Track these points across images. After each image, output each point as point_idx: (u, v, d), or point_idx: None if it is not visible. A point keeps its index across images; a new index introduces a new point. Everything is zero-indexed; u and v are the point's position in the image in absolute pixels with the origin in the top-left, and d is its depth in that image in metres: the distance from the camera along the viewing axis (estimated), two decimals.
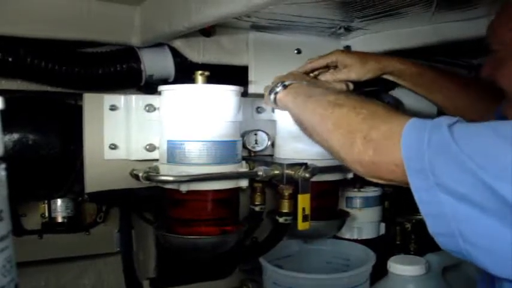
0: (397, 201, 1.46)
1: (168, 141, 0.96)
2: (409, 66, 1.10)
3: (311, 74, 1.09)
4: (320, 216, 1.14)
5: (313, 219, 1.02)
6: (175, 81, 1.15)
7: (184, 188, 0.92)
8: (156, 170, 0.97)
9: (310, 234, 1.20)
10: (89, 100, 1.00)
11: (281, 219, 1.05)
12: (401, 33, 1.17)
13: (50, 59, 1.03)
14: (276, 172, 1.00)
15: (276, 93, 0.94)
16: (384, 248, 1.38)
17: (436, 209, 0.59)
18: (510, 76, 0.82)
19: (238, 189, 1.02)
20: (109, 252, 1.31)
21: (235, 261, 1.24)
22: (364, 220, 1.39)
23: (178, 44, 1.11)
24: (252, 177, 1.01)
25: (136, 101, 1.00)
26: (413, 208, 0.63)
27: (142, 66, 1.12)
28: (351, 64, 1.08)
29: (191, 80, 0.99)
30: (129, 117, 1.01)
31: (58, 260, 1.27)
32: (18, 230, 1.18)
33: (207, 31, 1.11)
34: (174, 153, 0.95)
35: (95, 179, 1.00)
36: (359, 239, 1.38)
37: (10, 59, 0.99)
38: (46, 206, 1.22)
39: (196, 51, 1.12)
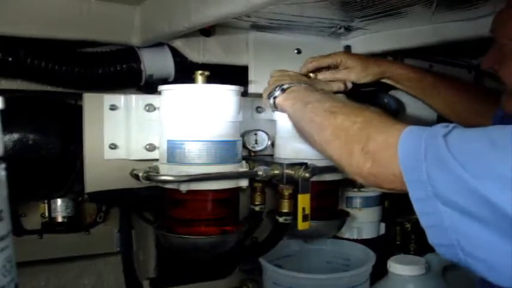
0: (397, 201, 1.46)
1: (168, 141, 0.96)
2: (408, 71, 1.11)
3: (311, 74, 1.09)
4: (320, 216, 1.14)
5: (313, 219, 1.02)
6: (175, 81, 1.15)
7: (184, 187, 0.92)
8: (156, 169, 0.97)
9: (310, 234, 1.20)
10: (89, 100, 1.00)
11: (281, 219, 1.05)
12: (401, 33, 1.17)
13: (50, 59, 1.03)
14: (276, 172, 1.00)
15: (274, 98, 0.94)
16: (383, 248, 1.38)
17: (436, 220, 0.59)
18: None
19: (238, 189, 1.02)
20: (109, 252, 1.31)
21: (235, 261, 1.24)
22: (364, 220, 1.39)
23: (178, 44, 1.11)
24: (252, 177, 1.01)
25: (136, 100, 1.00)
26: (413, 208, 0.62)
27: (142, 66, 1.12)
28: (352, 66, 1.09)
29: (191, 80, 0.99)
30: (129, 117, 1.01)
31: (58, 260, 1.27)
32: (18, 229, 1.18)
33: (207, 31, 1.11)
34: (174, 153, 0.95)
35: (95, 178, 1.00)
36: (359, 238, 1.38)
37: (10, 59, 0.99)
38: (46, 205, 1.22)
39: (196, 51, 1.12)
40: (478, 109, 1.06)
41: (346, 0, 0.95)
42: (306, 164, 0.99)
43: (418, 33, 1.14)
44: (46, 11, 1.00)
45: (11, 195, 0.43)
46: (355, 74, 1.08)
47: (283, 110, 0.94)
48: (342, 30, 1.18)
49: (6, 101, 0.39)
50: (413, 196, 0.61)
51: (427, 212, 0.60)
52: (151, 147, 1.01)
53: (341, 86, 1.07)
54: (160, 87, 0.99)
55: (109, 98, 1.01)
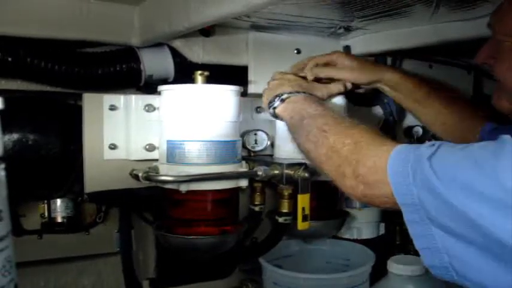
0: None
1: (167, 141, 0.96)
2: (405, 79, 1.10)
3: (309, 76, 1.08)
4: (320, 216, 1.14)
5: (313, 219, 1.02)
6: (175, 81, 1.15)
7: (183, 188, 0.92)
8: (155, 170, 0.97)
9: (309, 234, 1.20)
10: (89, 100, 1.00)
11: (281, 219, 1.05)
12: (401, 33, 1.17)
13: (50, 59, 1.02)
14: (276, 172, 1.00)
15: (274, 108, 0.95)
16: (383, 248, 1.38)
17: (429, 243, 0.60)
18: (509, 71, 0.82)
19: (237, 189, 1.02)
20: (109, 252, 1.31)
21: (235, 261, 1.24)
22: (363, 220, 1.39)
23: (178, 44, 1.11)
24: (251, 177, 1.01)
25: (136, 101, 1.00)
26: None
27: (142, 66, 1.12)
28: (348, 65, 1.08)
29: (191, 80, 0.99)
30: (129, 117, 1.01)
31: (58, 260, 1.27)
32: (17, 230, 1.18)
33: (207, 31, 1.11)
34: (173, 153, 0.95)
35: (94, 179, 1.00)
36: (359, 239, 1.38)
37: (10, 59, 0.99)
38: (46, 206, 1.21)
39: (196, 51, 1.12)
40: (466, 123, 1.06)
41: (346, 0, 0.95)
42: (305, 164, 0.99)
43: (417, 33, 1.14)
44: (46, 11, 1.00)
45: (11, 196, 0.43)
46: (350, 73, 1.08)
47: (283, 120, 0.95)
48: (342, 30, 1.18)
49: (6, 101, 0.39)
50: (407, 219, 0.62)
51: (421, 235, 0.60)
52: (151, 148, 1.01)
53: (341, 88, 1.07)
54: (160, 88, 0.99)
55: (109, 98, 1.01)
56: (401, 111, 1.37)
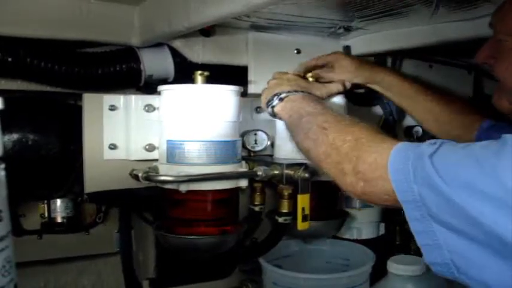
0: None
1: (167, 141, 0.96)
2: (399, 77, 1.11)
3: (309, 76, 1.09)
4: (319, 216, 1.14)
5: (313, 219, 1.02)
6: (175, 81, 1.15)
7: (183, 188, 0.92)
8: (155, 170, 0.97)
9: (309, 234, 1.20)
10: (89, 100, 1.00)
11: (281, 219, 1.05)
12: (401, 33, 1.17)
13: (50, 59, 1.02)
14: (276, 172, 1.00)
15: (273, 107, 0.95)
16: (383, 248, 1.38)
17: (431, 239, 0.60)
18: (510, 70, 0.82)
19: (237, 189, 1.02)
20: (108, 252, 1.31)
21: (234, 261, 1.24)
22: (363, 220, 1.39)
23: (177, 44, 1.11)
24: (251, 177, 1.01)
25: (136, 101, 1.00)
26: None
27: (141, 66, 1.12)
28: (344, 65, 1.09)
29: (191, 80, 0.99)
30: (129, 117, 1.01)
31: (57, 260, 1.27)
32: (17, 230, 1.18)
33: (207, 31, 1.11)
34: (173, 153, 0.95)
35: (94, 179, 1.00)
36: (358, 239, 1.38)
37: (10, 59, 0.99)
38: (45, 206, 1.21)
39: (196, 51, 1.12)
40: (461, 121, 1.06)
41: (346, 0, 0.95)
42: (305, 164, 0.99)
43: (417, 33, 1.14)
44: (45, 11, 1.00)
45: (11, 196, 0.43)
46: (346, 73, 1.09)
47: (281, 119, 0.95)
48: (342, 30, 1.18)
49: (6, 101, 0.39)
50: (409, 216, 0.62)
51: (422, 231, 0.60)
52: (150, 148, 1.01)
53: (340, 87, 1.07)
54: (160, 88, 0.99)
55: (108, 98, 1.01)
56: (401, 111, 1.37)
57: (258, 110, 1.16)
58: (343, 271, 1.24)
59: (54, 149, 1.04)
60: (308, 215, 0.99)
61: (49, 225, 1.22)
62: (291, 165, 1.00)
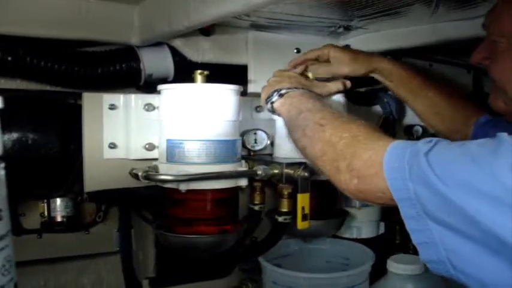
0: None
1: (167, 140, 0.96)
2: (398, 67, 1.10)
3: (309, 75, 1.08)
4: (319, 216, 1.14)
5: (313, 218, 1.02)
6: (175, 80, 1.15)
7: (183, 187, 0.92)
8: (155, 169, 0.97)
9: (309, 233, 1.20)
10: (88, 99, 1.00)
11: (280, 219, 1.05)
12: (400, 33, 1.17)
13: (50, 58, 1.02)
14: (275, 171, 1.00)
15: (272, 103, 0.94)
16: (383, 247, 1.38)
17: (426, 237, 0.60)
18: (505, 71, 0.82)
19: (237, 189, 1.02)
20: (108, 251, 1.31)
21: (234, 260, 1.24)
22: (363, 219, 1.39)
23: (177, 43, 1.11)
24: (251, 176, 1.01)
25: (136, 100, 1.00)
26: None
27: (141, 65, 1.12)
28: (341, 58, 1.07)
29: (190, 79, 0.99)
30: (129, 116, 1.01)
31: (57, 259, 1.27)
32: (17, 229, 1.18)
33: (207, 30, 1.11)
34: (173, 153, 0.95)
35: (94, 178, 1.00)
36: (358, 238, 1.38)
37: (9, 58, 0.99)
38: (45, 205, 1.22)
39: (196, 51, 1.12)
40: (460, 115, 1.06)
41: None
42: (305, 163, 0.99)
43: (417, 33, 1.14)
44: (45, 11, 1.00)
45: (11, 195, 0.43)
46: (346, 66, 1.07)
47: (280, 115, 0.95)
48: (341, 29, 1.18)
49: (6, 101, 0.39)
50: (404, 214, 0.62)
51: (418, 229, 0.60)
52: (150, 147, 1.01)
53: (340, 86, 1.07)
54: (160, 87, 0.99)
55: (108, 98, 1.01)
56: (401, 111, 1.37)
57: (258, 109, 1.16)
58: (343, 270, 1.24)
59: (54, 148, 1.04)
60: (308, 214, 0.99)
61: (49, 225, 1.22)
62: (290, 165, 1.00)
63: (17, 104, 1.05)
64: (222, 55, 1.16)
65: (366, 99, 1.35)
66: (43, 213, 1.22)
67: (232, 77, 1.06)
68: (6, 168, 0.43)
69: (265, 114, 1.16)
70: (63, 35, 1.04)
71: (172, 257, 1.28)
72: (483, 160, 0.54)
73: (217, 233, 1.00)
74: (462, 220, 0.55)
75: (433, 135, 1.16)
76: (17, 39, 0.99)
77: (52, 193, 1.18)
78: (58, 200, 1.21)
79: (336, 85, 1.07)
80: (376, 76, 1.11)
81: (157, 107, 1.01)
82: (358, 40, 1.26)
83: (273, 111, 0.96)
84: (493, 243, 0.53)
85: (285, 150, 1.11)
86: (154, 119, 1.00)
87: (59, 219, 1.22)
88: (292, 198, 1.02)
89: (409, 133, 1.39)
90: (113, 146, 1.01)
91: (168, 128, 0.97)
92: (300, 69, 1.08)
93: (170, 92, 0.98)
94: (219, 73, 1.02)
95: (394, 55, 1.35)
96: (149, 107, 1.00)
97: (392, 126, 1.35)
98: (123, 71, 1.10)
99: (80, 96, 1.02)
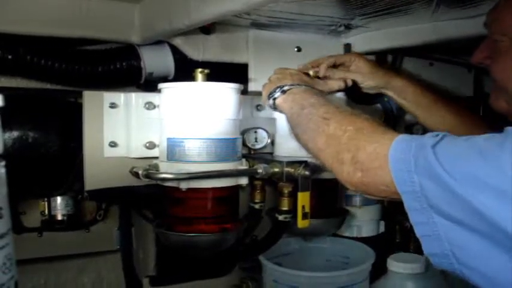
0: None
1: (168, 138, 0.96)
2: (414, 83, 1.10)
3: (311, 73, 1.08)
4: (320, 214, 1.14)
5: (313, 217, 1.02)
6: (175, 79, 1.15)
7: (184, 185, 0.92)
8: (156, 167, 0.97)
9: (309, 232, 1.20)
10: (89, 98, 1.00)
11: (281, 217, 1.05)
12: (401, 31, 1.17)
13: (50, 56, 1.03)
14: (276, 170, 1.00)
15: (274, 99, 0.94)
16: (383, 246, 1.38)
17: (430, 230, 0.59)
18: (507, 70, 0.82)
19: (238, 187, 1.02)
20: (109, 250, 1.31)
21: (234, 259, 1.24)
22: (363, 218, 1.39)
23: (178, 42, 1.11)
24: (251, 175, 1.01)
25: (136, 98, 1.00)
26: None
27: (142, 63, 1.12)
28: (361, 67, 1.09)
29: (191, 78, 0.99)
30: (129, 115, 1.01)
31: (58, 257, 1.27)
32: (18, 227, 1.18)
33: (207, 29, 1.11)
34: (174, 151, 0.95)
35: (94, 176, 1.00)
36: (358, 237, 1.38)
37: (10, 57, 0.99)
38: (46, 203, 1.22)
39: (196, 49, 1.12)
40: (471, 132, 1.05)
41: None
42: (305, 162, 0.99)
43: (418, 32, 1.14)
44: (46, 9, 1.00)
45: (11, 193, 0.43)
46: (361, 75, 1.08)
47: (282, 111, 0.94)
48: (342, 28, 1.18)
49: (6, 99, 0.39)
50: (408, 207, 0.61)
51: (422, 222, 0.60)
52: (151, 145, 1.01)
53: (341, 85, 1.07)
54: (160, 85, 0.99)
55: (109, 96, 1.01)
56: (402, 109, 1.37)
57: (259, 107, 1.16)
58: (343, 269, 1.24)
59: (55, 147, 1.04)
60: (308, 213, 0.99)
61: (49, 223, 1.22)
62: (291, 163, 1.00)
63: (18, 102, 1.05)
64: (223, 53, 1.16)
65: (366, 98, 1.35)
66: (43, 211, 1.22)
67: (232, 76, 1.06)
68: (6, 166, 0.42)
69: (265, 113, 1.16)
70: (64, 33, 1.04)
71: (172, 255, 1.27)
72: (490, 154, 0.54)
73: (217, 232, 1.00)
74: (467, 213, 0.54)
75: None
76: (17, 38, 0.99)
77: (52, 191, 1.18)
78: (58, 199, 1.22)
79: (337, 83, 1.07)
80: (388, 93, 1.12)
81: (158, 106, 1.01)
82: (359, 39, 1.26)
83: (274, 107, 0.96)
84: (498, 237, 0.52)
85: (286, 148, 1.11)
86: (155, 118, 1.00)
87: (59, 217, 1.22)
88: (293, 197, 1.02)
89: (409, 132, 1.39)
90: (113, 144, 1.01)
91: (169, 126, 0.97)
92: (313, 71, 1.08)
93: (171, 90, 0.98)
94: (219, 71, 1.02)
95: (395, 53, 1.36)
96: (150, 106, 1.00)
97: (393, 125, 1.35)
98: (123, 70, 1.10)
99: (80, 95, 1.02)
